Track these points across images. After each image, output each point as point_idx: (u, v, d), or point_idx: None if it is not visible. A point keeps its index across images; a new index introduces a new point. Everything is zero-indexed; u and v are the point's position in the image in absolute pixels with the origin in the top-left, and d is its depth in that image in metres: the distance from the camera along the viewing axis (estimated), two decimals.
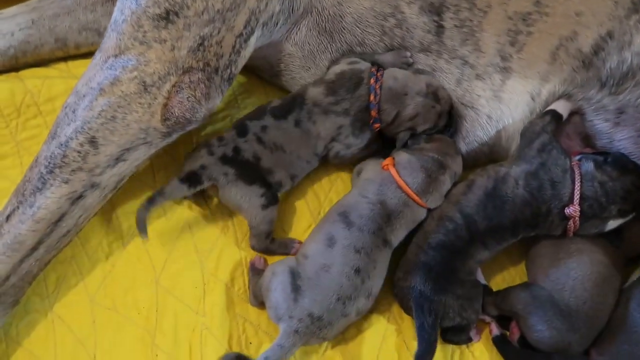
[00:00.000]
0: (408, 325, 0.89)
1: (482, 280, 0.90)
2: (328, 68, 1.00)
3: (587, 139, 0.95)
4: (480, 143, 0.98)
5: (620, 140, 0.91)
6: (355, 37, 0.97)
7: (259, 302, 0.87)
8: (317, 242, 0.86)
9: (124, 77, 0.81)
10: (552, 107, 0.92)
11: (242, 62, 0.91)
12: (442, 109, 0.95)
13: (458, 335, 0.85)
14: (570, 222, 0.86)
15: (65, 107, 0.84)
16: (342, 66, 0.98)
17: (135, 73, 0.81)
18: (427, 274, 0.83)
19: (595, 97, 0.92)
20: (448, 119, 0.97)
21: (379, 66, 0.97)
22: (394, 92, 0.94)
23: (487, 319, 0.89)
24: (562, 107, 0.92)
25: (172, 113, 0.84)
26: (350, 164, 0.99)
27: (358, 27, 0.97)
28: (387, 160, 0.93)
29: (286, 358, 0.80)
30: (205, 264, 0.92)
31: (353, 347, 0.87)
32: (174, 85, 0.83)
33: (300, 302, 0.81)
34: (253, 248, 0.92)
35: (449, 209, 0.89)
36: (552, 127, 0.90)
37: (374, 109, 0.94)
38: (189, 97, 0.84)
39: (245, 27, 0.87)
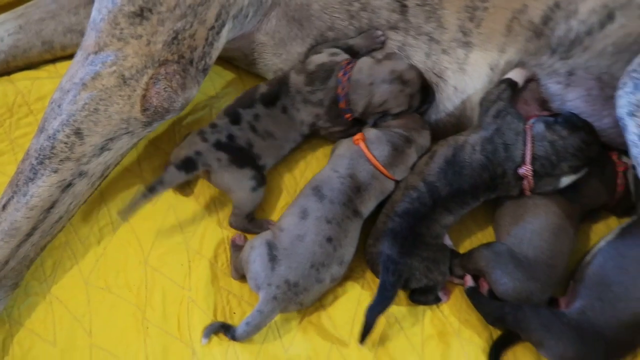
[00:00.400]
0: None
1: (450, 245, 0.95)
2: (308, 56, 1.04)
3: (544, 104, 0.99)
4: (448, 113, 1.04)
5: (572, 100, 0.96)
6: (324, 22, 1.03)
7: (240, 275, 0.93)
8: (291, 215, 0.92)
9: (104, 71, 0.87)
10: (507, 75, 0.97)
11: (215, 53, 0.96)
12: (412, 90, 1.00)
13: (425, 295, 0.91)
14: (525, 182, 0.91)
15: (52, 103, 0.90)
16: (323, 57, 1.03)
17: (115, 68, 0.87)
18: (393, 239, 0.89)
19: (547, 63, 0.97)
20: (423, 95, 1.01)
21: (355, 52, 1.02)
22: (360, 84, 0.99)
23: (456, 280, 0.94)
24: (517, 75, 0.97)
25: (150, 103, 0.89)
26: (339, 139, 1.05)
27: (325, 14, 1.02)
28: (358, 136, 0.99)
29: (265, 323, 0.87)
30: (190, 244, 0.99)
31: (330, 312, 0.93)
32: (151, 78, 0.89)
33: (277, 270, 0.87)
34: (231, 225, 0.98)
35: (413, 179, 0.94)
36: (507, 95, 0.95)
37: (341, 101, 1.00)
38: (166, 87, 0.89)
39: (216, 20, 0.93)
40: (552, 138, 0.90)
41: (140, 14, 0.87)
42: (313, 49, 1.06)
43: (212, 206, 1.02)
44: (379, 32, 1.02)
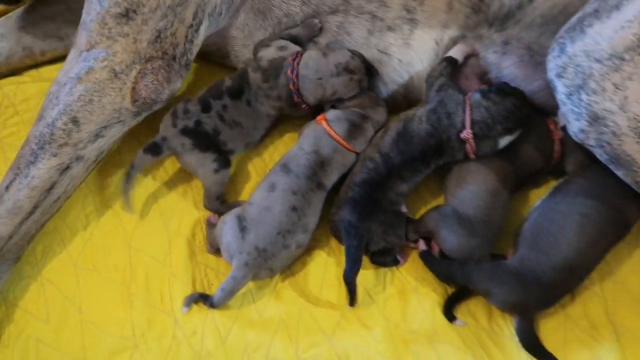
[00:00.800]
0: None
1: (406, 213, 1.04)
2: (258, 51, 1.12)
3: (483, 78, 1.10)
4: (397, 84, 1.14)
5: (507, 67, 1.07)
6: (282, 10, 1.12)
7: (215, 250, 1.02)
8: (260, 190, 1.01)
9: (97, 66, 0.97)
10: (448, 53, 1.07)
11: (195, 49, 1.07)
12: (359, 75, 1.09)
13: (384, 257, 1.00)
14: (467, 145, 1.01)
15: (49, 95, 1.00)
16: (272, 52, 1.10)
17: (106, 63, 0.98)
18: (353, 207, 0.98)
19: (485, 35, 1.08)
20: (369, 75, 1.10)
21: (299, 41, 1.11)
22: (308, 79, 1.07)
23: (412, 244, 1.03)
24: (457, 53, 1.07)
25: (139, 95, 1.00)
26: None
27: (284, 2, 1.12)
28: (320, 116, 1.08)
29: (238, 288, 0.96)
30: (169, 225, 1.07)
31: (300, 278, 1.02)
32: (139, 72, 0.99)
33: (247, 238, 0.96)
34: (205, 207, 1.07)
35: (370, 151, 1.04)
36: (448, 71, 1.05)
37: (295, 96, 1.09)
38: (153, 81, 1.00)
39: (194, 19, 1.03)
40: (487, 104, 1.01)
41: (126, 15, 0.97)
42: (260, 42, 1.14)
43: (189, 189, 1.11)
44: (316, 21, 1.11)
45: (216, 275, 1.02)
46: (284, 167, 1.02)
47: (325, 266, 1.03)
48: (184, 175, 1.11)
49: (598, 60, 0.86)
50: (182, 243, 1.05)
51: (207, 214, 1.08)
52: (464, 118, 1.00)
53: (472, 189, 1.00)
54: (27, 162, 0.97)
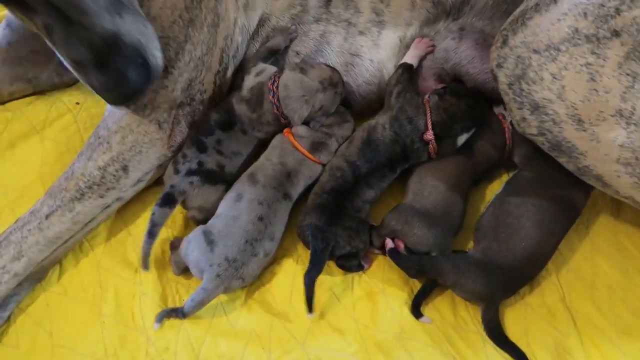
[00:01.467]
0: None
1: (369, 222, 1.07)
2: (242, 79, 1.13)
3: (440, 76, 1.16)
4: (370, 83, 1.19)
5: (464, 50, 1.13)
6: (275, 24, 1.16)
7: (182, 270, 1.03)
8: (226, 201, 1.03)
9: (145, 120, 1.03)
10: (403, 60, 1.13)
11: (223, 90, 1.14)
12: (340, 88, 1.13)
13: (349, 261, 1.03)
14: (430, 146, 1.06)
15: (99, 137, 1.05)
16: (251, 79, 1.12)
17: (152, 116, 1.03)
18: (321, 212, 1.02)
19: (444, 25, 1.15)
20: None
21: (276, 51, 1.14)
22: (293, 99, 1.08)
23: (376, 250, 1.07)
24: (411, 58, 1.13)
25: (175, 141, 1.08)
26: None
27: (279, 20, 1.16)
28: (287, 129, 1.11)
29: (209, 299, 0.97)
30: (139, 244, 1.07)
31: (270, 288, 1.04)
32: (173, 119, 1.06)
33: (216, 250, 0.97)
34: (193, 218, 1.07)
35: (337, 161, 1.08)
36: (405, 77, 1.11)
37: (281, 118, 1.10)
38: (183, 126, 1.08)
39: (220, 64, 1.10)
40: (445, 106, 1.07)
41: (166, 69, 1.00)
42: (242, 67, 1.16)
43: None
44: (293, 27, 1.16)
45: (187, 290, 1.03)
46: (251, 177, 1.05)
47: (294, 275, 1.05)
48: (152, 193, 1.13)
49: (536, 51, 0.91)
50: (151, 261, 1.05)
51: (176, 231, 1.10)
52: (425, 121, 1.06)
53: (431, 184, 1.05)
54: (73, 197, 1.01)
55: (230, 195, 1.03)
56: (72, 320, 1.00)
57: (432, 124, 1.06)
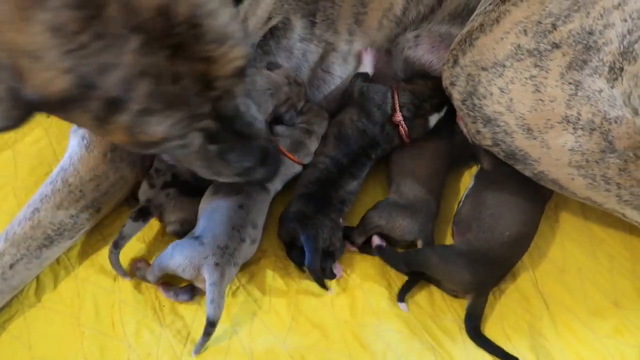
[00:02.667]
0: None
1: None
2: None
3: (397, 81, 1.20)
4: (338, 98, 1.22)
5: (422, 56, 1.17)
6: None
7: (159, 278, 1.01)
8: (205, 199, 1.03)
9: (122, 163, 1.04)
10: (359, 69, 1.17)
11: None
12: (305, 89, 1.16)
13: (325, 261, 1.02)
14: (400, 128, 1.09)
15: (69, 185, 1.02)
16: None
17: (130, 158, 1.04)
18: (307, 200, 1.04)
19: (403, 38, 1.18)
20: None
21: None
22: (257, 92, 1.08)
23: (352, 248, 1.07)
24: (367, 66, 1.16)
25: (146, 166, 1.06)
26: None
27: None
28: None
29: (223, 291, 0.95)
30: None
31: (249, 288, 1.04)
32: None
33: (206, 242, 0.97)
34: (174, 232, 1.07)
35: (318, 158, 1.10)
36: (362, 80, 1.14)
37: None
38: None
39: None
40: (412, 87, 1.11)
41: None
42: None
43: None
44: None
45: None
46: None
47: (272, 274, 1.06)
48: (127, 208, 1.13)
49: (484, 69, 0.96)
50: (129, 268, 1.06)
51: (151, 242, 1.10)
52: (393, 104, 1.09)
53: (411, 173, 1.08)
54: (41, 245, 1.01)
55: (207, 192, 1.04)
56: (51, 332, 1.00)
57: (400, 106, 1.09)
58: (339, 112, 1.16)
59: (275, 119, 1.15)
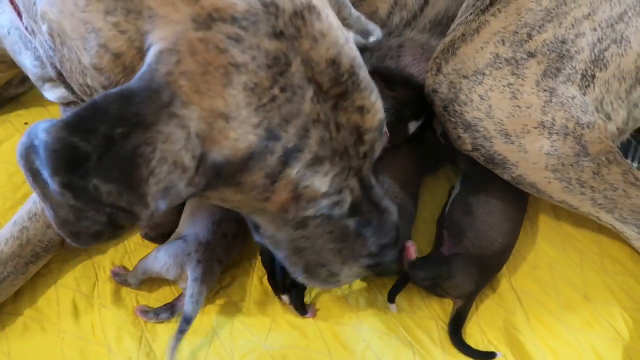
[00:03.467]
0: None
1: None
2: None
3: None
4: None
5: (405, 65, 1.19)
6: None
7: (140, 281, 1.02)
8: (187, 203, 1.04)
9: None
10: None
11: None
12: None
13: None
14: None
15: None
16: None
17: None
18: None
19: (386, 43, 1.21)
20: None
21: None
22: None
23: None
24: None
25: None
26: None
27: None
28: None
29: (203, 289, 0.95)
30: (95, 259, 1.08)
31: (229, 291, 1.05)
32: None
33: (189, 240, 0.98)
34: (146, 236, 1.07)
35: None
36: None
37: None
38: None
39: None
40: (393, 94, 1.13)
41: None
42: None
43: None
44: None
45: (147, 300, 1.04)
46: None
47: (252, 276, 1.08)
48: None
49: (465, 77, 1.00)
50: (108, 274, 1.06)
51: (133, 243, 1.10)
52: None
53: (388, 181, 1.09)
54: (28, 261, 1.00)
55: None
56: (30, 340, 0.99)
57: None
58: None
59: None
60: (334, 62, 0.67)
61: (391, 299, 1.03)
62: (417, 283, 1.04)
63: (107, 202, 0.61)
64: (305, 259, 0.84)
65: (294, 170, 0.67)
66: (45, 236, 1.00)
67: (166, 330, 1.01)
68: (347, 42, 0.70)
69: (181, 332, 0.94)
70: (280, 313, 1.03)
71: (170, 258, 0.97)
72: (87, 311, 1.02)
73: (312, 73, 0.66)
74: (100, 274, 1.06)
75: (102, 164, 0.59)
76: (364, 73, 0.71)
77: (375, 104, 0.72)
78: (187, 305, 0.95)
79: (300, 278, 0.87)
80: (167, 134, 0.61)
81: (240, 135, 0.63)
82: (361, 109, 0.71)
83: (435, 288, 1.04)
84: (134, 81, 0.62)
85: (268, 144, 0.64)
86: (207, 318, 1.02)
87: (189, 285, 0.96)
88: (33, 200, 1.02)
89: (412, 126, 1.15)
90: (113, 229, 0.64)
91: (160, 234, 1.07)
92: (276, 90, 0.63)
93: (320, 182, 0.69)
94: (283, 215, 0.74)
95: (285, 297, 1.02)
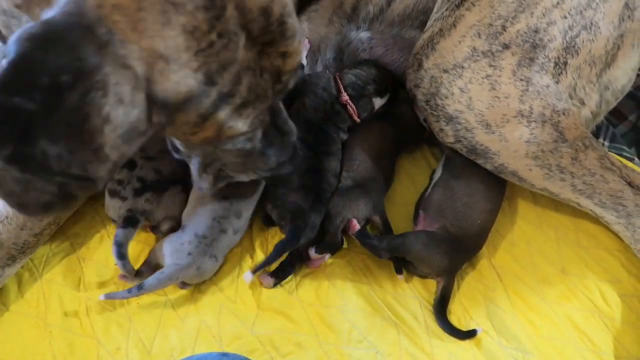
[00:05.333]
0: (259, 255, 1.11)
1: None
2: None
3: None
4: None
5: (378, 56, 1.22)
6: None
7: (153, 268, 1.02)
8: (193, 191, 1.05)
9: None
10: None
11: None
12: None
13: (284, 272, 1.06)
14: (349, 108, 1.15)
15: None
16: None
17: None
18: (307, 193, 1.04)
19: (356, 37, 1.23)
20: None
21: None
22: None
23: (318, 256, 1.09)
24: (302, 58, 1.17)
25: None
26: None
27: None
28: None
29: (177, 277, 0.97)
30: (79, 253, 1.09)
31: (216, 278, 1.06)
32: None
33: (186, 230, 1.00)
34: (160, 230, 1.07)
35: None
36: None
37: None
38: None
39: None
40: (355, 72, 1.17)
41: None
42: None
43: (96, 216, 1.13)
44: None
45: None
46: None
47: (240, 264, 1.09)
48: (90, 203, 1.13)
49: (445, 71, 1.02)
50: (93, 267, 1.06)
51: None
52: (337, 87, 1.16)
53: (359, 156, 1.12)
54: (4, 265, 1.00)
55: (192, 189, 1.06)
56: (18, 335, 1.00)
57: (344, 86, 1.16)
58: (292, 105, 1.18)
59: None
60: (265, 11, 0.67)
61: (398, 270, 1.06)
62: (376, 254, 1.05)
63: (58, 169, 0.57)
64: (212, 166, 0.90)
65: (223, 113, 0.69)
66: (20, 238, 1.00)
67: (154, 319, 1.02)
68: None
69: (129, 291, 0.96)
70: (267, 299, 1.05)
71: (170, 247, 1.00)
72: (74, 304, 1.03)
73: (245, 20, 0.66)
74: (85, 268, 1.07)
75: (50, 121, 0.54)
76: (292, 20, 0.71)
77: (297, 48, 0.74)
78: (151, 278, 0.96)
79: (204, 176, 0.92)
80: (116, 75, 0.58)
81: (181, 78, 0.63)
82: (284, 55, 0.73)
83: (407, 265, 1.07)
84: (58, 12, 0.56)
85: (206, 89, 0.65)
86: (194, 305, 1.04)
87: (168, 265, 0.97)
88: (2, 203, 1.01)
89: (377, 102, 1.19)
90: (64, 199, 0.61)
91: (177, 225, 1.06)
92: (214, 36, 0.63)
93: (242, 124, 0.73)
94: (202, 145, 0.79)
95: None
